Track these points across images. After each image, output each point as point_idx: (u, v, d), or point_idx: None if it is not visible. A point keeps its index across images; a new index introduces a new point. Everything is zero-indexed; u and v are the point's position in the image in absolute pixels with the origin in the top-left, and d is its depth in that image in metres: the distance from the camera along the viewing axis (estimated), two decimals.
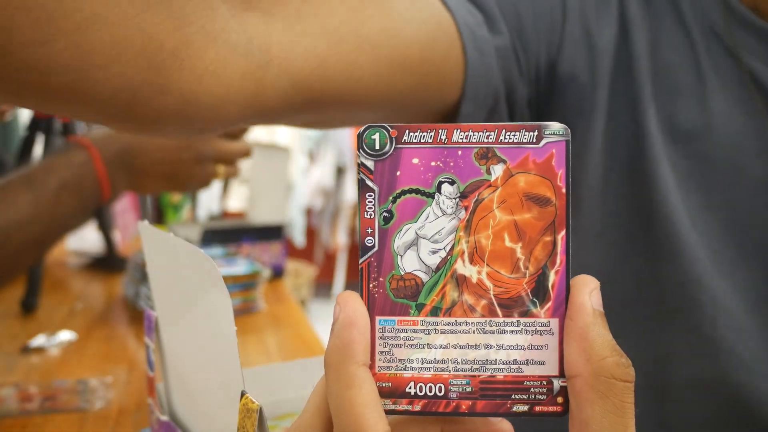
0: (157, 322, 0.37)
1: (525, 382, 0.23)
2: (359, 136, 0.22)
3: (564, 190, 0.23)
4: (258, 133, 3.83)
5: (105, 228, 0.92)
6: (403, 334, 0.23)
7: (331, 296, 4.26)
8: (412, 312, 0.23)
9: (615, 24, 0.46)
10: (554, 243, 0.22)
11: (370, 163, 0.23)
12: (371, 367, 0.22)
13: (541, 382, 0.22)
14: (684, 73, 0.45)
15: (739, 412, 0.46)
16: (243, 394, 0.27)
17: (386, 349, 0.23)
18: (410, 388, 0.23)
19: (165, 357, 0.37)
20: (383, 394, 0.23)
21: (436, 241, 0.23)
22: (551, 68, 0.48)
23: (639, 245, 0.48)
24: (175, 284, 0.33)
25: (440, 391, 0.23)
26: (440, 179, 0.23)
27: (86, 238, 1.05)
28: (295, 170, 3.92)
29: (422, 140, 0.23)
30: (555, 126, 0.22)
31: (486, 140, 0.22)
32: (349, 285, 4.55)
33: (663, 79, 0.45)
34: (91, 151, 0.68)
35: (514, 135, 0.22)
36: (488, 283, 0.23)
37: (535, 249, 0.22)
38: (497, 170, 0.23)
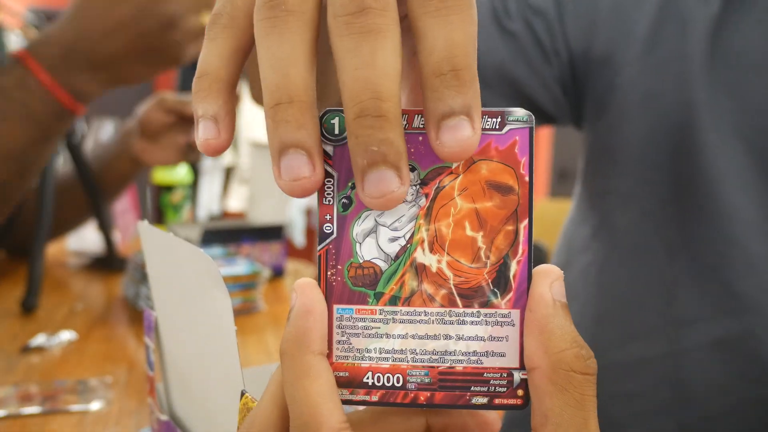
0: (156, 321, 0.37)
1: (485, 374, 0.22)
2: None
3: (527, 178, 0.22)
4: (258, 133, 3.82)
5: (105, 228, 0.92)
6: (361, 323, 0.22)
7: None
8: (371, 301, 0.22)
9: (651, 17, 0.51)
10: (516, 232, 0.22)
11: (329, 149, 0.22)
12: (329, 356, 0.22)
13: (501, 374, 0.22)
14: (763, 52, 0.48)
15: (759, 371, 0.47)
16: (243, 393, 0.27)
17: (344, 338, 0.22)
18: (368, 378, 0.22)
19: (165, 357, 0.37)
20: (340, 383, 0.22)
21: (395, 229, 0.22)
22: (586, 53, 0.53)
23: (672, 212, 0.51)
24: (175, 284, 0.33)
25: (398, 382, 0.22)
26: None
27: (86, 238, 1.05)
28: None
29: None
30: (519, 112, 0.22)
31: None
32: None
33: (734, 59, 0.49)
34: (28, 63, 0.57)
35: None
36: (448, 273, 0.22)
37: (496, 238, 0.22)
38: None
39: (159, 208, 1.07)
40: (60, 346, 0.62)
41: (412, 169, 0.22)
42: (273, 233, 0.96)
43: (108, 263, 0.94)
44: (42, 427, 0.46)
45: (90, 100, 0.61)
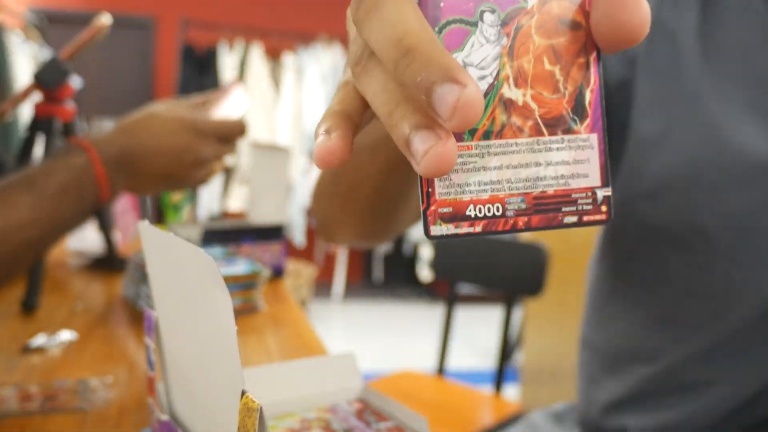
0: (157, 321, 0.37)
1: (572, 195, 0.24)
2: None
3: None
4: (258, 134, 3.83)
5: (105, 228, 0.92)
6: (459, 160, 0.23)
7: (331, 296, 4.26)
8: (466, 137, 0.23)
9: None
10: (587, 64, 0.24)
11: None
12: (431, 194, 0.23)
13: (586, 194, 0.24)
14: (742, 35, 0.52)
15: None
16: (243, 393, 0.27)
17: (445, 176, 0.23)
18: (470, 210, 0.23)
19: (165, 357, 0.37)
20: (445, 219, 0.23)
21: (482, 68, 0.23)
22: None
23: None
24: (176, 284, 0.33)
25: (498, 211, 0.24)
26: (482, 8, 0.23)
27: (86, 239, 1.05)
28: (296, 170, 3.92)
29: None
30: None
31: None
32: (349, 285, 4.55)
33: (725, 49, 0.52)
34: (91, 154, 0.68)
35: None
36: (533, 105, 0.23)
37: (571, 70, 0.24)
38: None
39: (159, 208, 1.07)
40: (60, 346, 0.62)
41: (492, 11, 0.23)
42: (273, 233, 0.96)
43: (108, 263, 0.94)
44: (42, 427, 0.46)
45: (114, 197, 0.71)
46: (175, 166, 0.72)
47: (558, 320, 2.24)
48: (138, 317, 0.72)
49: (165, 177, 0.73)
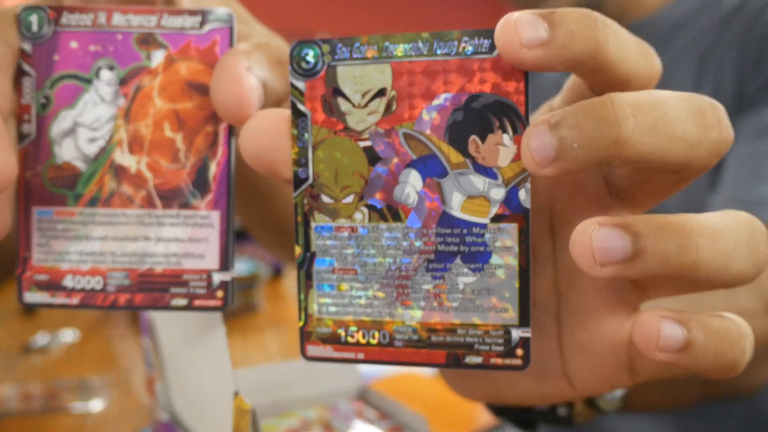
0: (152, 321, 0.37)
1: (184, 276, 0.22)
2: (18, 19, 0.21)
3: None
4: None
5: None
6: (60, 226, 0.22)
7: None
8: (70, 203, 0.22)
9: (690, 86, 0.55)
10: (216, 134, 0.22)
11: (27, 47, 0.21)
12: (29, 258, 0.22)
13: (200, 276, 0.22)
14: None
15: None
16: (235, 394, 0.27)
17: (44, 241, 0.22)
18: (67, 280, 0.22)
19: (162, 357, 0.37)
20: (41, 286, 0.22)
21: (95, 129, 0.22)
22: None
23: None
24: None
25: (98, 285, 0.22)
26: (99, 65, 0.22)
27: None
28: None
29: (81, 23, 0.22)
30: (219, 12, 0.22)
31: (147, 25, 0.22)
32: None
33: None
34: None
35: (176, 20, 0.22)
36: (147, 174, 0.22)
37: (196, 139, 0.22)
38: (158, 56, 0.22)
39: None
40: (61, 346, 0.62)
41: (111, 68, 0.22)
42: None
43: None
44: (43, 427, 0.46)
45: None
46: None
47: None
48: (139, 317, 0.73)
49: None
